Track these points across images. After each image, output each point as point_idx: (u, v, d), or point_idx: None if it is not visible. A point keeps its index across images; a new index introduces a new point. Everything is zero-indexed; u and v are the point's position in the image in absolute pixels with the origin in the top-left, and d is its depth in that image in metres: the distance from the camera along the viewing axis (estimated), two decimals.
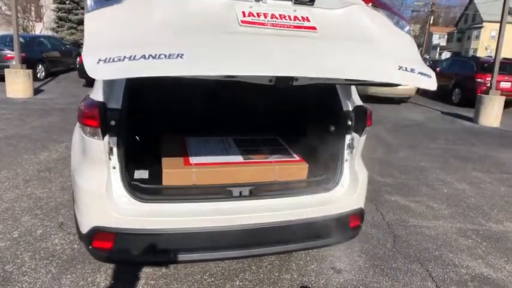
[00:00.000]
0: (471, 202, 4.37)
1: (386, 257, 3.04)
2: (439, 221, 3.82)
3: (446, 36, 54.81)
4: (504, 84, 11.15)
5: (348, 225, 2.29)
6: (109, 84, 1.97)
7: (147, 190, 2.03)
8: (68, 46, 16.83)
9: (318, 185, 2.27)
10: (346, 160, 2.31)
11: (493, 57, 10.28)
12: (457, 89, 12.45)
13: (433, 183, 4.93)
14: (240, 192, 2.12)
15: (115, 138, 1.92)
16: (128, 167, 2.19)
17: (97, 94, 1.97)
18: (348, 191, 2.28)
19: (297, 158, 2.41)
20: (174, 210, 1.95)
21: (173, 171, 2.11)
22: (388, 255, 3.08)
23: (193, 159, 2.25)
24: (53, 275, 2.51)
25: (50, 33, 22.10)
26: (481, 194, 4.66)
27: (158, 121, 3.10)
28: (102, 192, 1.89)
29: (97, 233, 1.92)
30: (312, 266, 2.82)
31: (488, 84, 11.00)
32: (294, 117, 3.10)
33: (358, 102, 2.31)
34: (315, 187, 2.25)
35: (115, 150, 1.93)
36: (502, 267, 3.02)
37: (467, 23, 49.29)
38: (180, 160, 2.23)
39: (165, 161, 2.20)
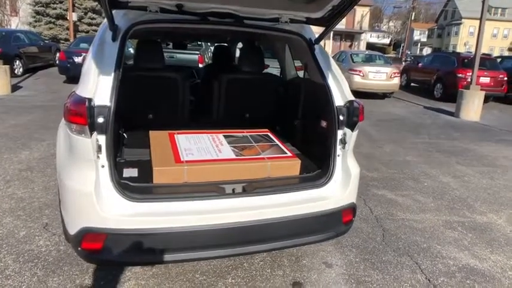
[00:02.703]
0: (456, 195, 4.47)
1: (376, 251, 3.08)
2: (426, 214, 3.88)
3: (426, 32, 55.83)
4: (483, 80, 11.43)
5: (341, 220, 2.30)
6: (96, 79, 1.90)
7: (137, 189, 1.98)
8: (46, 41, 16.34)
9: (310, 180, 2.26)
10: (338, 155, 2.31)
11: (473, 53, 10.51)
12: (438, 84, 12.70)
13: (419, 177, 5.01)
14: (233, 190, 2.09)
15: (103, 136, 1.86)
16: (116, 165, 2.13)
17: (84, 90, 1.90)
18: (340, 187, 2.28)
19: (289, 154, 2.39)
20: (166, 209, 1.90)
21: (164, 169, 2.06)
22: (378, 249, 3.12)
23: (184, 157, 2.20)
24: (38, 278, 2.43)
25: (26, 28, 21.37)
26: (465, 186, 4.77)
27: (146, 117, 3.03)
28: (91, 191, 1.83)
29: (86, 234, 1.86)
30: (304, 262, 2.83)
31: (469, 80, 11.28)
32: (285, 113, 3.09)
33: (350, 97, 2.31)
34: (308, 183, 2.24)
35: (103, 148, 1.87)
36: (487, 257, 3.09)
37: (447, 19, 50.34)
38: (171, 157, 2.17)
39: (155, 159, 2.14)
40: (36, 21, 22.04)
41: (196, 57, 10.41)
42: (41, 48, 14.31)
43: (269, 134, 2.78)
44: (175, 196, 1.96)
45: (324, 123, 2.47)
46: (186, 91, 3.04)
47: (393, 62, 14.81)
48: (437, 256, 3.07)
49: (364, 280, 2.68)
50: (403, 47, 32.83)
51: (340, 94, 2.31)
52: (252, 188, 2.10)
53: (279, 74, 3.66)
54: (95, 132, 1.84)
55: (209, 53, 13.08)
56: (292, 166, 2.31)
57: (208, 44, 12.74)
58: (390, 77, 11.94)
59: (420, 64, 14.68)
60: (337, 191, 2.27)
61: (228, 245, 1.99)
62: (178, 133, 2.64)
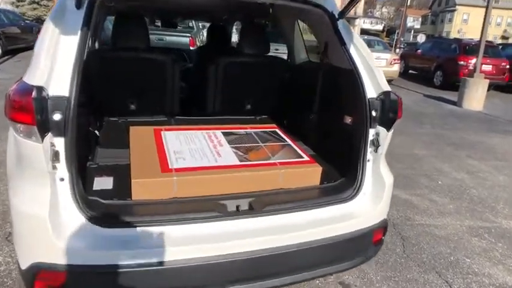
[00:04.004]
0: (474, 194, 4.07)
1: (398, 266, 2.65)
2: (446, 218, 3.47)
3: (420, 19, 55.31)
4: (486, 68, 11.03)
5: (371, 241, 1.84)
6: (50, 61, 1.37)
7: (110, 208, 1.48)
8: (27, 22, 15.39)
9: (334, 193, 1.78)
10: (368, 160, 1.83)
11: (476, 39, 10.10)
12: (438, 72, 12.26)
13: (431, 174, 4.60)
14: (237, 207, 1.60)
15: (61, 139, 1.34)
16: (83, 175, 1.62)
17: (32, 76, 1.37)
18: (371, 200, 1.81)
19: (306, 157, 1.90)
20: (148, 237, 1.41)
21: (146, 182, 1.55)
22: (400, 263, 2.69)
23: (174, 163, 1.70)
24: None
25: (9, 8, 20.22)
26: (481, 184, 4.37)
27: (127, 108, 2.50)
28: (44, 216, 1.32)
29: (39, 271, 1.36)
30: (317, 282, 2.38)
31: (471, 67, 10.87)
32: (295, 104, 2.58)
33: (386, 87, 1.82)
34: (332, 196, 1.76)
35: (62, 154, 1.36)
36: None
37: (441, 6, 49.85)
38: (155, 164, 1.67)
39: (135, 166, 1.64)
40: (19, 1, 20.89)
41: (187, 39, 9.76)
42: (22, 28, 13.44)
43: (277, 130, 2.28)
44: (161, 219, 1.46)
45: (348, 119, 1.98)
46: (176, 76, 2.51)
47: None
48: (469, 272, 2.65)
49: None
50: (397, 33, 32.27)
51: (372, 83, 1.81)
52: (262, 204, 1.62)
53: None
54: (49, 134, 1.33)
55: (201, 36, 12.42)
56: (311, 174, 1.83)
57: (200, 26, 12.07)
58: (390, 64, 11.47)
59: (419, 51, 14.20)
60: (367, 206, 1.80)
61: (232, 283, 1.51)
62: (166, 129, 2.13)
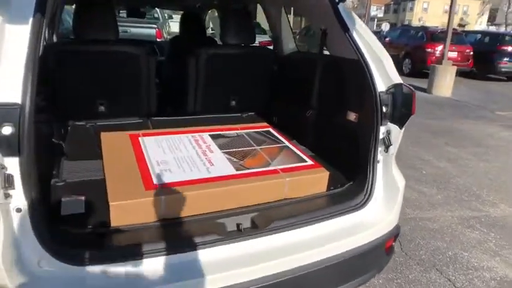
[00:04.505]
0: (459, 183, 4.04)
1: (398, 266, 2.52)
2: (436, 210, 3.40)
3: (383, 8, 56.50)
4: (451, 54, 11.26)
5: (384, 251, 1.66)
6: None
7: (83, 240, 1.20)
8: None
9: (344, 200, 1.58)
10: (378, 162, 1.64)
11: (438, 27, 10.27)
12: (407, 60, 12.44)
13: (414, 163, 4.56)
14: (238, 226, 1.36)
15: (15, 159, 1.04)
16: (46, 197, 1.32)
17: None
18: (383, 206, 1.63)
19: (310, 161, 1.69)
20: (133, 275, 1.15)
21: (128, 204, 1.27)
22: (399, 262, 2.56)
23: (158, 176, 1.43)
24: None
25: None
26: (464, 172, 4.37)
27: (95, 110, 2.17)
28: None
29: None
30: None
31: (438, 54, 11.09)
32: (291, 99, 2.34)
33: (397, 78, 1.62)
34: (342, 204, 1.56)
35: (18, 178, 1.06)
36: None
37: None
38: (137, 180, 1.39)
39: (112, 184, 1.35)
40: None
41: (153, 31, 9.26)
42: None
43: (271, 130, 2.05)
44: (148, 249, 1.19)
45: (352, 116, 1.78)
46: (152, 71, 2.21)
47: None
48: (469, 267, 2.56)
49: None
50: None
51: (380, 74, 1.61)
52: (266, 220, 1.39)
53: None
54: None
55: (168, 28, 11.88)
56: (317, 181, 1.62)
57: (166, 16, 11.51)
58: None
59: (387, 39, 14.35)
60: (380, 213, 1.62)
61: None
62: (144, 134, 1.84)
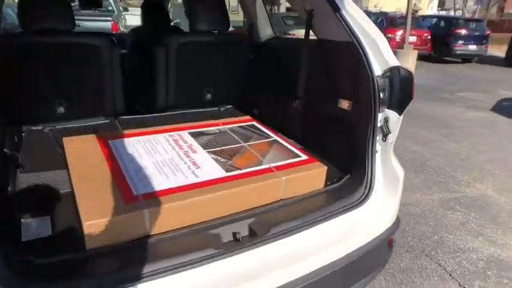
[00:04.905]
0: (434, 165, 4.09)
1: None
2: (417, 194, 3.41)
3: None
4: (411, 39, 11.56)
5: (386, 245, 1.56)
6: None
7: (52, 271, 0.98)
8: None
9: (345, 196, 1.46)
10: (377, 151, 1.52)
11: (400, 13, 10.48)
12: None
13: None
14: (235, 235, 1.20)
15: None
16: (5, 214, 1.09)
17: None
18: (384, 199, 1.53)
19: (304, 156, 1.54)
20: None
21: (105, 222, 1.07)
22: None
23: (138, 186, 1.23)
24: None
25: None
26: (437, 154, 4.44)
27: (53, 111, 1.91)
28: None
29: None
30: None
31: (398, 39, 11.35)
32: (274, 89, 2.17)
33: (394, 61, 1.51)
34: (343, 200, 1.43)
35: None
36: (504, 242, 2.69)
37: None
38: (113, 191, 1.19)
39: (83, 200, 1.14)
40: None
41: (108, 24, 8.74)
42: None
43: (255, 123, 1.89)
44: (133, 275, 1.00)
45: (345, 104, 1.65)
46: (116, 64, 1.97)
47: None
48: (456, 250, 2.56)
49: None
50: None
51: (376, 57, 1.49)
52: (265, 226, 1.23)
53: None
54: None
55: (124, 21, 11.28)
56: (315, 177, 1.48)
57: (121, 8, 10.92)
58: None
59: None
60: (381, 206, 1.52)
61: None
62: (114, 137, 1.61)
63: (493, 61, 14.23)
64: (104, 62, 1.92)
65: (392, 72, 1.48)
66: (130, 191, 1.20)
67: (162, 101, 2.26)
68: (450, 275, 2.30)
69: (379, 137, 1.52)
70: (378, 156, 1.55)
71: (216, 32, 2.17)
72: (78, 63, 1.86)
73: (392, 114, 1.51)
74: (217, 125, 1.83)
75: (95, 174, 1.30)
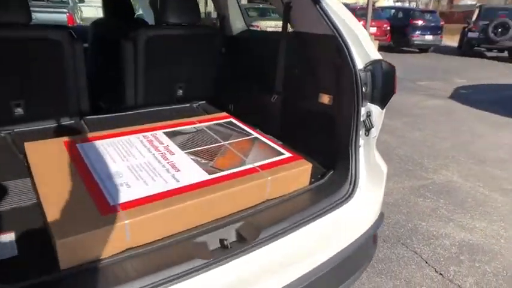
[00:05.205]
0: (401, 153, 4.21)
1: None
2: (388, 183, 3.39)
3: None
4: (371, 30, 11.85)
5: (371, 241, 1.55)
6: None
7: None
8: None
9: (330, 193, 1.42)
10: (360, 146, 1.50)
11: (360, 4, 10.69)
12: None
13: None
14: (223, 242, 1.12)
15: None
16: None
17: None
18: (368, 194, 1.51)
19: (288, 154, 1.49)
20: None
21: (81, 239, 0.96)
22: None
23: (114, 194, 1.12)
24: None
25: None
26: (403, 142, 4.57)
27: (10, 114, 1.73)
28: None
29: None
30: None
31: None
32: (250, 84, 2.09)
33: (375, 54, 1.48)
34: (330, 198, 1.39)
35: None
36: (473, 226, 2.80)
37: None
38: (87, 203, 1.07)
39: (53, 214, 1.01)
40: None
41: (63, 16, 8.26)
42: None
43: (233, 120, 1.81)
44: None
45: (326, 98, 1.62)
46: (80, 60, 1.81)
47: None
48: (430, 237, 2.64)
49: None
50: None
51: (357, 51, 1.45)
52: (254, 230, 1.17)
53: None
54: None
55: (80, 12, 10.69)
56: (300, 175, 1.43)
57: (77, 0, 10.32)
58: None
59: None
60: (366, 202, 1.50)
61: None
62: (81, 140, 1.48)
63: (448, 51, 14.94)
64: (66, 57, 1.76)
65: (374, 66, 1.45)
66: (106, 201, 1.09)
67: (131, 98, 2.12)
68: (426, 262, 2.36)
69: (361, 132, 1.50)
70: (361, 151, 1.52)
71: (186, 24, 2.05)
72: (38, 60, 1.69)
73: (374, 109, 1.49)
74: (193, 123, 1.73)
75: (64, 183, 1.17)
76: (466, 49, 13.53)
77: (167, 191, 1.18)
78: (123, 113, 2.07)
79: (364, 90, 1.44)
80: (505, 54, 13.56)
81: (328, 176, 1.53)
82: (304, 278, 1.18)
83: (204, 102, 2.35)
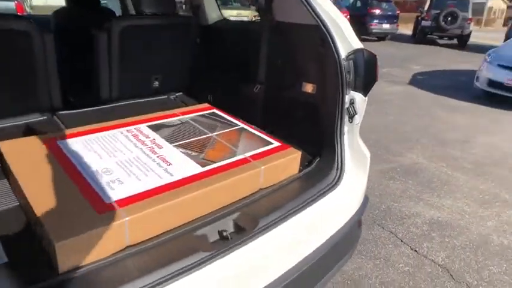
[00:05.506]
0: (370, 138, 4.35)
1: None
2: None
3: None
4: None
5: (357, 224, 1.61)
6: None
7: None
8: None
9: (319, 179, 1.45)
10: (344, 133, 1.54)
11: None
12: None
13: None
14: (222, 233, 1.12)
15: None
16: None
17: None
18: (354, 178, 1.56)
19: (276, 143, 1.50)
20: None
21: (80, 240, 0.91)
22: None
23: (108, 192, 1.07)
24: None
25: None
26: (371, 128, 4.72)
27: None
28: None
29: None
30: None
31: None
32: (230, 74, 2.06)
33: (357, 43, 1.51)
34: (320, 184, 1.42)
35: None
36: (440, 204, 2.98)
37: None
38: (80, 202, 1.02)
39: (47, 216, 0.96)
40: None
41: (11, 4, 7.70)
42: None
43: (216, 111, 1.79)
44: None
45: (309, 87, 1.64)
46: (50, 52, 1.70)
47: None
48: (403, 217, 2.78)
49: (359, 276, 2.15)
50: None
51: (340, 40, 1.48)
52: (252, 220, 1.18)
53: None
54: None
55: (29, 1, 9.99)
56: (291, 163, 1.45)
57: None
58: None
59: None
60: (352, 187, 1.55)
61: None
62: (61, 137, 1.40)
63: (403, 38, 15.58)
64: (35, 49, 1.65)
65: (357, 55, 1.48)
66: (101, 199, 1.05)
67: (105, 92, 2.03)
68: (402, 241, 2.49)
69: (345, 119, 1.54)
70: (346, 138, 1.57)
71: (161, 14, 1.99)
72: (3, 53, 1.56)
73: (357, 96, 1.53)
74: (175, 115, 1.69)
75: (51, 182, 1.10)
76: (420, 37, 14.18)
77: (162, 185, 1.15)
78: (99, 107, 1.98)
79: (347, 78, 1.48)
80: (455, 41, 14.37)
81: (316, 163, 1.56)
82: (303, 263, 1.21)
83: (181, 93, 2.30)
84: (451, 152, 4.05)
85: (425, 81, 7.78)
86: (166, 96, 2.25)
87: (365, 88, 1.53)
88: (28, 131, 1.52)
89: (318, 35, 1.46)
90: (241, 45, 1.98)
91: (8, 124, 1.67)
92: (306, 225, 1.29)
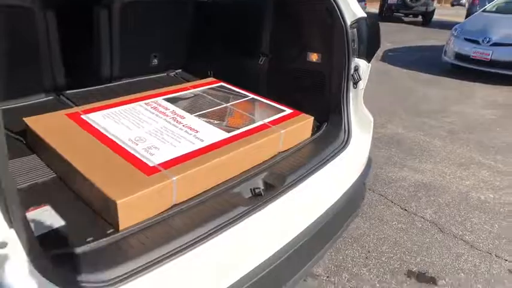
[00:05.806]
0: None
1: None
2: None
3: None
4: None
5: (363, 184, 1.75)
6: None
7: (91, 259, 0.88)
8: None
9: (331, 141, 1.56)
10: (350, 99, 1.65)
11: None
12: None
13: None
14: (253, 190, 1.22)
15: None
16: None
17: None
18: (359, 141, 1.68)
19: (289, 110, 1.59)
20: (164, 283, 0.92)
21: (137, 198, 0.97)
22: None
23: (149, 157, 1.13)
24: None
25: None
26: None
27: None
28: None
29: None
30: None
31: None
32: (233, 48, 2.11)
33: (360, 12, 1.61)
34: (331, 146, 1.54)
35: None
36: (422, 168, 3.21)
37: None
38: (126, 167, 1.08)
39: (101, 180, 1.01)
40: None
41: None
42: None
43: (223, 84, 1.85)
44: (178, 247, 0.95)
45: (314, 56, 1.73)
46: (53, 30, 1.69)
47: None
48: (390, 181, 2.98)
49: (358, 234, 2.32)
50: None
51: (345, 7, 1.57)
52: (279, 178, 1.28)
53: None
54: None
55: None
56: (305, 128, 1.55)
57: None
58: None
59: None
60: (358, 148, 1.68)
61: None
62: (84, 111, 1.43)
63: (371, 17, 15.85)
64: (38, 27, 1.63)
65: (360, 23, 1.59)
66: (144, 163, 1.11)
67: (106, 70, 2.03)
68: (392, 202, 2.69)
69: (350, 85, 1.65)
70: (352, 103, 1.68)
71: None
72: (5, 31, 1.54)
73: (361, 63, 1.64)
74: (187, 88, 1.74)
75: (91, 152, 1.15)
76: (387, 15, 14.50)
77: (196, 150, 1.22)
78: (103, 86, 1.99)
79: (352, 46, 1.58)
80: (419, 19, 14.83)
81: (324, 128, 1.67)
82: (326, 214, 1.33)
83: (180, 70, 2.33)
84: (426, 122, 4.31)
85: (397, 57, 8.05)
86: (166, 74, 2.28)
87: (368, 55, 1.64)
88: (41, 110, 1.53)
89: (325, 5, 1.54)
90: (245, 18, 2.02)
91: (17, 105, 1.67)
92: (325, 181, 1.41)
